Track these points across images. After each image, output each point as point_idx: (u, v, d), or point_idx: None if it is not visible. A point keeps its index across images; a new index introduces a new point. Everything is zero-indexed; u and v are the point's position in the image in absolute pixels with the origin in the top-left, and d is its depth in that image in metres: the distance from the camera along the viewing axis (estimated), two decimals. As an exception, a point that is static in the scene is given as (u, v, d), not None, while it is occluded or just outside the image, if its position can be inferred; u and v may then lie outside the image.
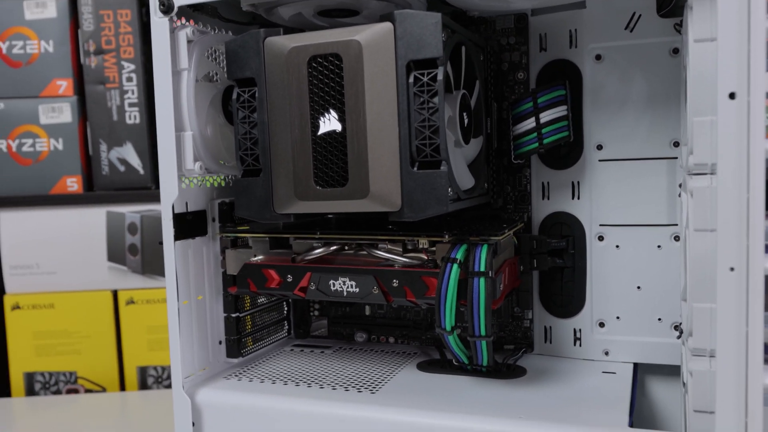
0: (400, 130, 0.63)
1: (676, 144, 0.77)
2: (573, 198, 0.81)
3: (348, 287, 0.71)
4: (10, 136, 1.28)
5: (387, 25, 0.63)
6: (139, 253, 1.30)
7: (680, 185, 0.74)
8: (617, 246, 0.80)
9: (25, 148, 1.28)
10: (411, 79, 0.62)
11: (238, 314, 0.81)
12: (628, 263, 0.80)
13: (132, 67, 1.26)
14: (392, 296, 0.69)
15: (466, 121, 0.69)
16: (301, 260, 0.74)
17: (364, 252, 0.73)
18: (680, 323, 0.75)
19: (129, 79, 1.27)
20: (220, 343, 0.81)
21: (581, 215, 0.81)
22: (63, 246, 1.30)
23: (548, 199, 0.82)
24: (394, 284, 0.69)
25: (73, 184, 1.29)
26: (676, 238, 0.78)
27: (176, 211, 0.73)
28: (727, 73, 0.54)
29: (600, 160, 0.80)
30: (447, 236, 0.67)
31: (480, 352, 0.69)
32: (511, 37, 0.81)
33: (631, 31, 0.77)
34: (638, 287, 0.80)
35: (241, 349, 0.82)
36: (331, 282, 0.72)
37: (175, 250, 0.73)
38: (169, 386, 1.31)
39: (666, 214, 0.78)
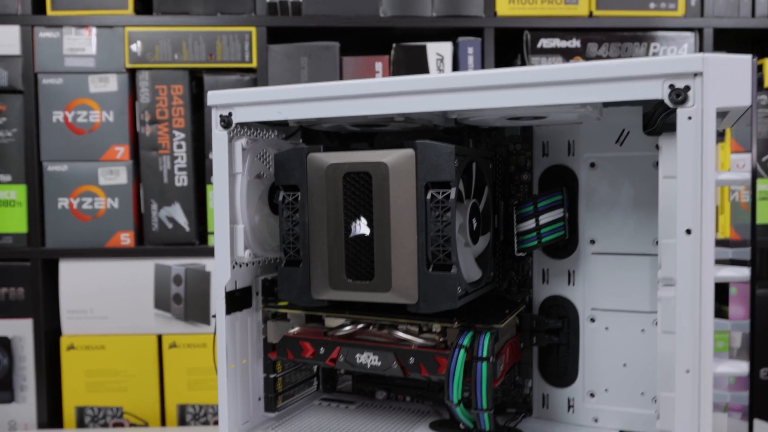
0: (418, 238, 0.76)
1: (657, 243, 0.89)
2: (569, 284, 0.93)
3: (371, 361, 0.84)
4: (72, 195, 1.43)
5: (410, 152, 0.76)
6: (182, 302, 1.44)
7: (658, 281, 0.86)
8: (606, 327, 0.92)
9: (84, 206, 1.43)
10: (428, 197, 0.75)
11: (275, 375, 0.94)
12: (616, 343, 0.91)
13: (182, 135, 1.41)
14: (408, 371, 0.82)
15: (474, 225, 0.82)
16: (332, 335, 0.87)
17: (386, 331, 0.85)
18: (658, 399, 0.86)
19: (179, 146, 1.42)
20: (260, 399, 0.94)
21: (576, 299, 0.93)
22: (115, 294, 1.44)
23: (548, 283, 0.94)
24: (411, 361, 0.81)
25: (126, 238, 1.43)
26: (657, 324, 0.89)
27: (228, 290, 0.87)
28: (685, 211, 0.66)
29: (593, 253, 0.92)
30: (456, 323, 0.80)
31: (483, 421, 0.81)
32: (517, 144, 0.94)
33: (621, 144, 0.90)
34: (624, 364, 0.91)
35: (276, 404, 0.95)
36: (357, 355, 0.84)
37: (226, 323, 0.87)
38: (206, 423, 1.44)
39: (649, 302, 0.90)
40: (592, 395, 0.93)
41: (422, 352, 0.81)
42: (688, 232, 0.66)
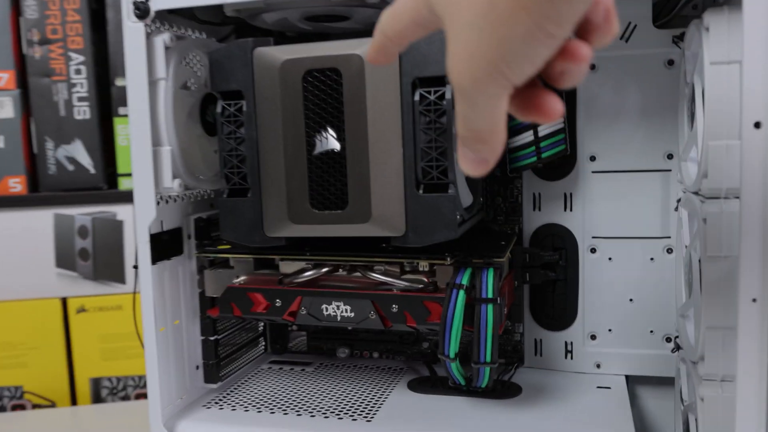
0: (404, 151, 0.59)
1: (671, 156, 0.76)
2: (565, 210, 0.79)
3: (342, 312, 0.67)
4: (-57, 133, 1.17)
5: (391, 38, 0.58)
6: (90, 258, 1.22)
7: (678, 200, 0.73)
8: (610, 258, 0.79)
9: (-40, 147, 1.18)
10: (417, 97, 0.59)
11: (216, 337, 0.76)
12: (621, 276, 0.79)
13: (81, 58, 1.17)
14: (391, 322, 0.66)
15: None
16: (290, 283, 0.70)
17: (359, 274, 0.69)
18: (675, 336, 0.74)
19: (77, 72, 1.17)
20: (197, 368, 0.76)
21: (574, 227, 0.79)
22: (6, 251, 1.20)
23: (540, 210, 0.80)
24: (393, 309, 0.65)
25: (16, 185, 1.19)
26: (669, 251, 0.77)
27: (152, 232, 0.67)
28: (753, 102, 0.52)
29: (593, 172, 0.78)
30: (449, 259, 0.64)
31: (482, 377, 0.66)
32: (503, 44, 0.78)
33: (626, 41, 0.75)
34: (630, 300, 0.79)
35: (219, 372, 0.77)
36: (324, 306, 0.67)
37: (152, 274, 0.67)
38: (125, 398, 1.24)
39: (659, 227, 0.77)
40: (593, 337, 0.80)
41: (408, 297, 0.65)
42: (757, 125, 0.52)
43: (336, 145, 0.61)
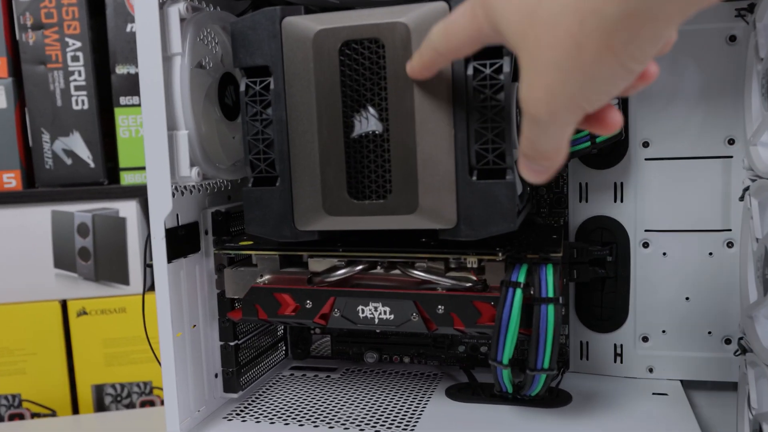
0: (456, 133, 0.53)
1: (732, 141, 0.69)
2: (615, 201, 0.73)
3: (380, 314, 0.60)
4: (-68, 125, 1.09)
5: (441, 5, 0.52)
6: (91, 258, 1.15)
7: (746, 189, 0.66)
8: (664, 253, 0.72)
9: (-50, 140, 1.10)
10: (470, 71, 0.52)
11: (236, 342, 0.69)
12: (676, 272, 0.72)
13: (78, 44, 1.09)
14: (436, 324, 0.59)
15: (518, 119, 0.59)
16: (321, 282, 0.63)
17: (398, 272, 0.62)
18: (740, 338, 0.68)
19: (75, 59, 1.10)
20: (216, 376, 0.69)
21: (624, 220, 0.73)
22: (1, 251, 1.13)
23: (587, 201, 0.74)
24: (439, 311, 0.59)
25: (10, 180, 1.11)
26: (730, 245, 0.71)
27: (168, 227, 0.61)
28: None
29: (646, 159, 0.72)
30: (501, 254, 0.57)
31: (536, 385, 0.60)
32: (547, 19, 0.71)
33: (684, 13, 0.69)
34: (687, 298, 0.72)
35: (240, 381, 0.70)
36: (360, 308, 0.61)
37: (168, 274, 0.60)
38: (130, 405, 1.17)
39: (719, 219, 0.71)
40: (645, 339, 0.74)
41: (456, 297, 0.58)
42: None
43: (378, 126, 0.54)
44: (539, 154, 0.40)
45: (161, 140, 0.58)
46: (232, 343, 0.69)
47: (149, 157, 0.59)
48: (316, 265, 0.64)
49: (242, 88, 0.57)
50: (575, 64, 0.34)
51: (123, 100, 1.13)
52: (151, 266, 0.61)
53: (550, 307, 0.55)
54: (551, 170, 0.42)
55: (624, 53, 0.33)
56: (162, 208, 0.59)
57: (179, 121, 0.60)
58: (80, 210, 1.14)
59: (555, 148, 0.40)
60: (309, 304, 0.62)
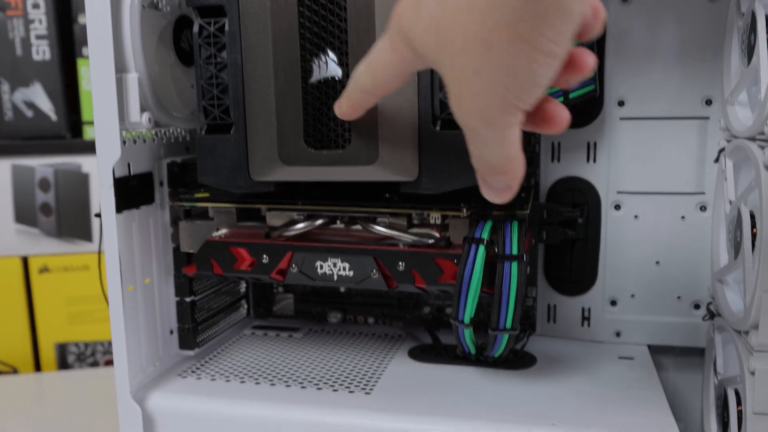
0: (419, 80, 0.50)
1: (709, 102, 0.67)
2: (588, 161, 0.71)
3: (339, 270, 0.58)
4: None
5: (406, -59, 0.48)
6: (53, 213, 1.11)
7: (721, 150, 0.64)
8: (636, 216, 0.71)
9: None
10: (435, 14, 0.49)
11: (193, 298, 0.67)
12: (647, 235, 0.71)
13: (39, -10, 1.05)
14: (396, 281, 0.57)
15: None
16: (278, 236, 0.60)
17: (359, 227, 0.60)
18: (708, 303, 0.67)
19: (35, 6, 1.05)
20: (171, 332, 0.67)
21: (597, 181, 0.71)
22: (-42, 205, 1.10)
23: (558, 161, 0.71)
24: (400, 267, 0.56)
25: (-32, 131, 1.07)
26: (703, 209, 0.69)
27: (117, 176, 0.58)
28: None
29: (621, 118, 0.69)
30: (465, 210, 0.55)
31: (498, 345, 0.58)
32: (523, -32, 0.68)
33: (664, -34, 0.66)
34: (657, 262, 0.71)
35: (196, 338, 0.68)
36: (319, 264, 0.58)
37: (117, 224, 0.58)
38: (94, 364, 1.15)
39: (693, 182, 0.69)
40: (613, 303, 0.73)
41: (417, 254, 0.56)
42: None
43: (338, 72, 0.51)
44: (492, 168, 0.38)
45: (109, 83, 0.55)
46: (188, 299, 0.67)
47: (96, 102, 0.56)
48: (274, 219, 0.61)
49: (195, 28, 0.54)
50: (492, 63, 0.32)
51: (86, 50, 1.09)
52: (99, 216, 0.58)
53: (514, 265, 0.53)
54: (513, 185, 0.40)
55: (537, 38, 0.31)
56: (110, 155, 0.56)
57: (129, 64, 0.56)
58: (42, 164, 1.10)
59: (505, 158, 0.38)
60: (266, 259, 0.59)
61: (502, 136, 0.36)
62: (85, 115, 1.10)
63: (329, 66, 0.51)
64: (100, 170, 0.57)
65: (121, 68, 0.56)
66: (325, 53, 0.51)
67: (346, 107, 0.46)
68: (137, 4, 0.56)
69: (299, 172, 0.54)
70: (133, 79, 0.56)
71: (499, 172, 0.38)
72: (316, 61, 0.52)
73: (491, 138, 0.36)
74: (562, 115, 0.39)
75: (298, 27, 0.51)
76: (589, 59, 0.37)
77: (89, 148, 1.10)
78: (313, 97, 0.52)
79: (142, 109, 0.57)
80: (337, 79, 0.51)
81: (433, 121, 0.50)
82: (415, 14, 0.36)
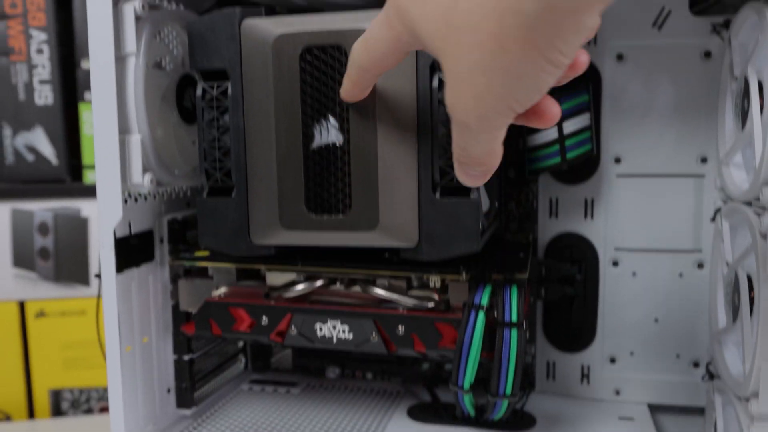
0: (419, 146, 0.50)
1: (704, 160, 0.68)
2: (586, 217, 0.71)
3: (339, 333, 0.58)
4: None
5: (407, 13, 0.49)
6: (51, 258, 1.11)
7: (717, 210, 0.65)
8: (634, 273, 0.71)
9: None
10: (435, 83, 0.49)
11: (191, 356, 0.67)
12: (646, 292, 0.71)
13: (43, 36, 1.06)
14: (396, 346, 0.57)
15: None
16: (278, 297, 0.60)
17: (358, 289, 0.59)
18: (708, 363, 0.67)
19: (39, 51, 1.06)
20: (169, 391, 0.67)
21: (594, 237, 0.71)
22: (-44, 249, 1.09)
23: (557, 217, 0.72)
24: (399, 331, 0.56)
25: (-32, 176, 1.08)
26: (701, 266, 0.69)
27: (118, 236, 0.58)
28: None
29: (618, 175, 0.70)
30: (465, 273, 0.55)
31: (498, 409, 0.58)
32: (522, 29, 0.69)
33: (659, 29, 0.67)
34: (656, 319, 0.71)
35: (194, 395, 0.68)
36: (318, 326, 0.58)
37: (117, 284, 0.58)
38: (89, 411, 1.14)
39: (690, 239, 0.69)
40: (612, 361, 0.72)
41: (417, 318, 0.56)
42: None
43: (338, 138, 0.52)
44: (472, 159, 0.39)
45: (112, 144, 0.55)
46: (186, 357, 0.66)
47: (99, 163, 0.56)
48: (274, 278, 0.61)
49: (198, 92, 0.55)
50: (500, 65, 0.32)
51: (88, 95, 1.09)
52: (99, 277, 0.58)
53: (514, 332, 0.53)
54: (487, 173, 0.40)
55: (549, 48, 0.31)
56: (112, 216, 0.56)
57: (132, 125, 0.57)
58: (41, 208, 1.10)
59: (487, 153, 0.38)
60: (265, 321, 0.59)
61: (492, 134, 0.37)
62: (86, 159, 1.11)
63: (330, 132, 0.52)
64: (101, 231, 0.57)
65: (124, 129, 0.57)
66: (327, 119, 0.52)
67: (348, 86, 0.46)
68: (142, 65, 0.57)
69: (300, 236, 0.54)
70: (136, 140, 0.57)
71: (478, 163, 0.39)
72: (317, 127, 0.52)
73: (481, 135, 0.37)
74: (552, 110, 0.40)
75: (300, 93, 0.52)
76: (583, 57, 0.38)
77: (89, 192, 1.10)
78: (314, 162, 0.53)
79: (144, 170, 0.57)
80: (338, 145, 0.52)
81: (433, 188, 0.51)
82: None
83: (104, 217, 0.57)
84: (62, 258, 1.12)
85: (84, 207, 1.10)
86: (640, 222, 0.70)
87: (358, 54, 0.43)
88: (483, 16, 0.31)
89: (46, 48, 1.07)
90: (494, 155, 0.39)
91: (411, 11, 0.36)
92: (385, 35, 0.39)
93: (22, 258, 1.11)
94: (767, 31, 0.51)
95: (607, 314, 0.72)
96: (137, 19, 0.56)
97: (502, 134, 0.37)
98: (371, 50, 0.41)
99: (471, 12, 0.32)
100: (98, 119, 0.56)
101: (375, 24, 0.40)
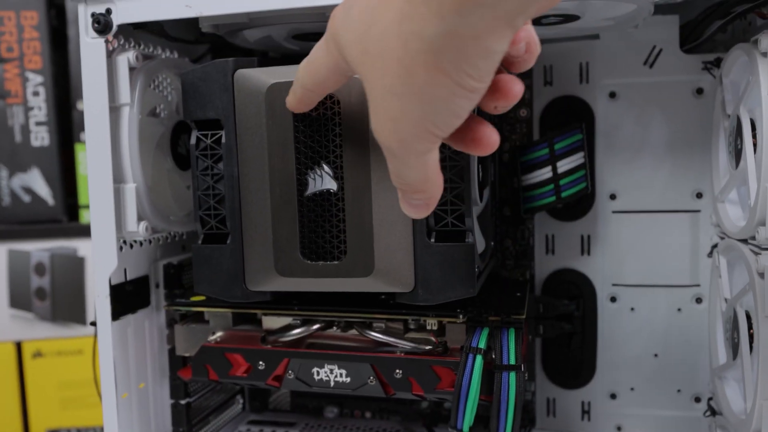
0: (413, 193, 0.50)
1: (700, 195, 0.68)
2: (582, 254, 0.71)
3: (336, 377, 0.58)
4: None
5: (398, 61, 0.50)
6: (48, 298, 1.11)
7: (714, 246, 0.65)
8: (632, 308, 0.71)
9: None
10: (428, 130, 0.50)
11: (188, 400, 0.66)
12: (644, 328, 0.70)
13: (39, 79, 1.06)
14: (393, 389, 0.56)
15: (480, 174, 0.57)
16: (275, 342, 0.60)
17: (355, 332, 0.59)
18: (709, 398, 0.66)
19: (35, 94, 1.07)
20: (166, 436, 0.66)
21: (592, 273, 0.71)
22: (-48, 291, 1.09)
23: (553, 254, 0.72)
24: (397, 375, 0.56)
25: (-35, 217, 1.08)
26: (699, 301, 0.69)
27: (113, 283, 0.58)
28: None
29: (614, 212, 0.70)
30: (461, 316, 0.55)
31: (497, 452, 0.57)
32: (513, 69, 0.70)
33: (651, 66, 0.68)
34: (655, 355, 0.71)
35: (191, 440, 0.67)
36: (315, 370, 0.58)
37: (113, 331, 0.57)
38: (85, 452, 1.13)
39: (687, 274, 0.69)
40: (613, 397, 0.72)
41: (414, 361, 0.56)
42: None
43: (332, 185, 0.52)
44: (408, 186, 0.38)
45: (107, 194, 0.56)
46: (183, 402, 0.66)
47: (94, 212, 0.56)
48: (271, 323, 0.61)
49: (192, 141, 0.55)
50: (409, 89, 0.32)
51: (84, 136, 1.10)
52: (94, 324, 0.58)
53: (512, 375, 0.53)
54: (430, 203, 0.39)
55: (457, 72, 0.31)
56: (107, 264, 0.56)
57: (126, 174, 0.57)
58: (37, 248, 1.10)
59: (422, 179, 0.37)
60: (262, 366, 0.59)
61: (419, 159, 0.36)
62: (82, 199, 1.11)
63: (324, 179, 0.52)
64: (96, 279, 0.57)
65: (119, 179, 0.57)
66: (321, 166, 0.52)
67: (293, 102, 0.46)
68: (136, 114, 0.57)
69: (295, 283, 0.54)
70: (130, 189, 0.57)
71: (416, 190, 0.38)
72: (311, 174, 0.52)
73: (408, 160, 0.36)
74: (491, 136, 0.38)
75: (294, 141, 0.52)
76: (517, 87, 0.36)
77: (86, 231, 1.09)
78: (308, 209, 0.53)
79: (139, 218, 0.58)
80: (332, 192, 0.52)
81: (428, 233, 0.51)
82: (344, 21, 0.36)
83: (99, 266, 0.56)
84: (59, 298, 1.11)
85: (80, 246, 1.10)
86: (638, 257, 0.70)
87: (302, 75, 0.43)
88: (389, 40, 0.32)
89: (42, 90, 1.07)
90: (430, 182, 0.38)
91: (341, 37, 0.36)
92: (325, 60, 0.40)
93: (19, 298, 1.11)
94: (757, 72, 0.52)
95: (607, 350, 0.71)
96: (131, 69, 0.56)
97: (432, 160, 0.37)
98: (313, 73, 0.42)
99: (380, 38, 0.32)
100: (93, 169, 0.56)
101: (317, 47, 0.41)
